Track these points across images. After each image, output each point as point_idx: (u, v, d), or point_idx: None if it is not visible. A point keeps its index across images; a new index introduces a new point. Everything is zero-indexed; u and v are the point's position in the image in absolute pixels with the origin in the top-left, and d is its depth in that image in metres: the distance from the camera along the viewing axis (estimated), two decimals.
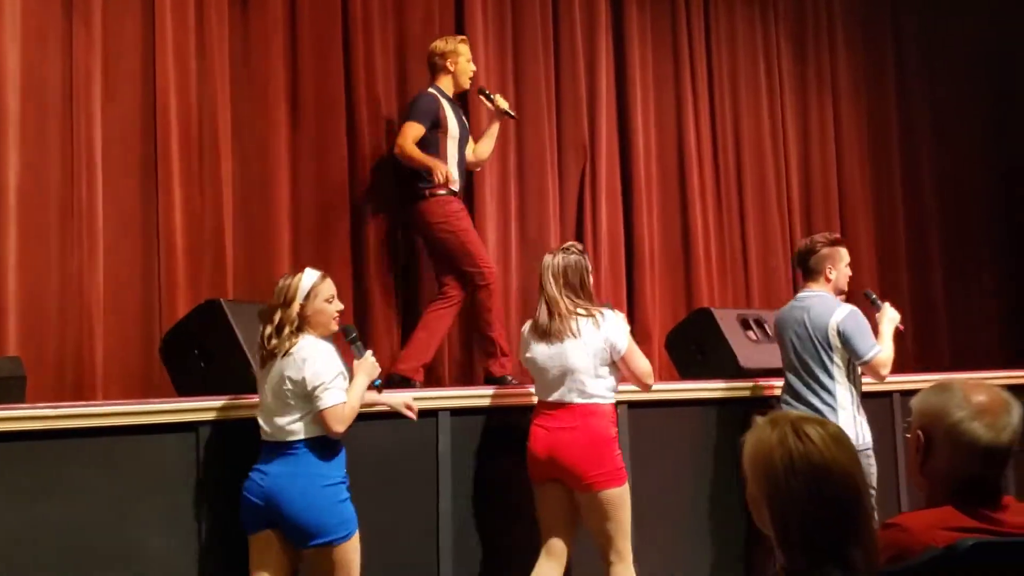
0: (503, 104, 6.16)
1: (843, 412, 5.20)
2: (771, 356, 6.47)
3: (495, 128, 6.33)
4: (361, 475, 4.59)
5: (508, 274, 6.81)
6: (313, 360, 4.24)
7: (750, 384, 6.11)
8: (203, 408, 4.62)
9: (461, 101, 6.44)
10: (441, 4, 6.82)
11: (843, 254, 5.41)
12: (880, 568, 2.41)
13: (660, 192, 7.69)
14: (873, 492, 5.09)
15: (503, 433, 5.37)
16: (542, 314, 4.85)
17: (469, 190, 6.57)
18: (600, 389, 4.82)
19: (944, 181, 9.20)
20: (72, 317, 5.42)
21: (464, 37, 6.38)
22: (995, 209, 9.42)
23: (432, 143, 6.00)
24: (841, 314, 5.23)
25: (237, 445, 4.57)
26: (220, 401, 4.66)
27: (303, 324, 4.33)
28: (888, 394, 6.21)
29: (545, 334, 4.83)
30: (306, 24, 6.28)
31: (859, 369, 5.29)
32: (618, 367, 4.90)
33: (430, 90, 6.12)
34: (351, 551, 4.28)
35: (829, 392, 5.25)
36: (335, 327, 4.45)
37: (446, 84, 6.19)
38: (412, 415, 4.80)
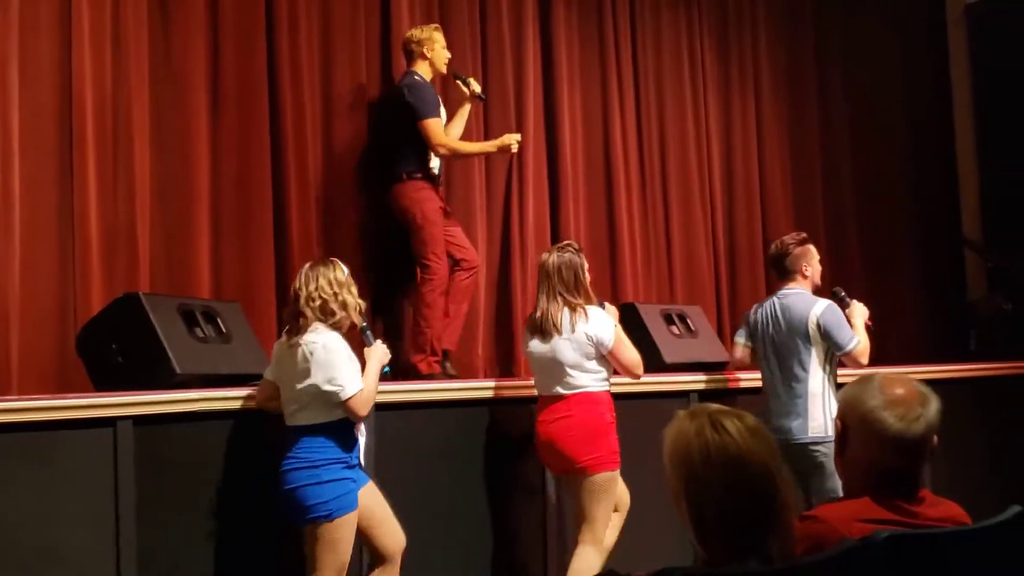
0: (477, 88, 6.38)
1: (813, 402, 5.46)
2: (694, 350, 6.58)
3: (466, 110, 6.52)
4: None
5: None
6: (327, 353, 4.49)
7: (673, 378, 6.18)
8: (121, 403, 4.54)
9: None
10: (368, 1, 6.77)
11: (814, 251, 5.76)
12: (796, 559, 2.43)
13: (586, 187, 7.72)
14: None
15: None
16: (537, 311, 5.15)
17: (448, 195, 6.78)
18: (589, 380, 5.08)
19: (863, 177, 9.32)
20: None
21: (438, 25, 6.52)
22: (913, 203, 9.57)
23: (414, 128, 6.13)
24: (819, 308, 5.54)
25: (154, 440, 4.53)
26: (138, 396, 4.59)
27: (336, 311, 4.56)
28: None
29: (538, 330, 5.11)
30: (228, 12, 6.18)
31: (835, 362, 5.57)
32: (607, 361, 5.13)
33: (417, 77, 6.28)
34: (340, 527, 4.43)
35: (802, 384, 5.51)
36: (358, 320, 4.69)
37: (423, 69, 6.35)
38: None
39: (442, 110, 6.32)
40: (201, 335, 5.08)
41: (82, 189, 5.53)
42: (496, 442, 5.71)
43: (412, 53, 6.38)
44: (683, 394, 6.19)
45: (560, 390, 5.09)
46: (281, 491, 4.49)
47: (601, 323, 5.07)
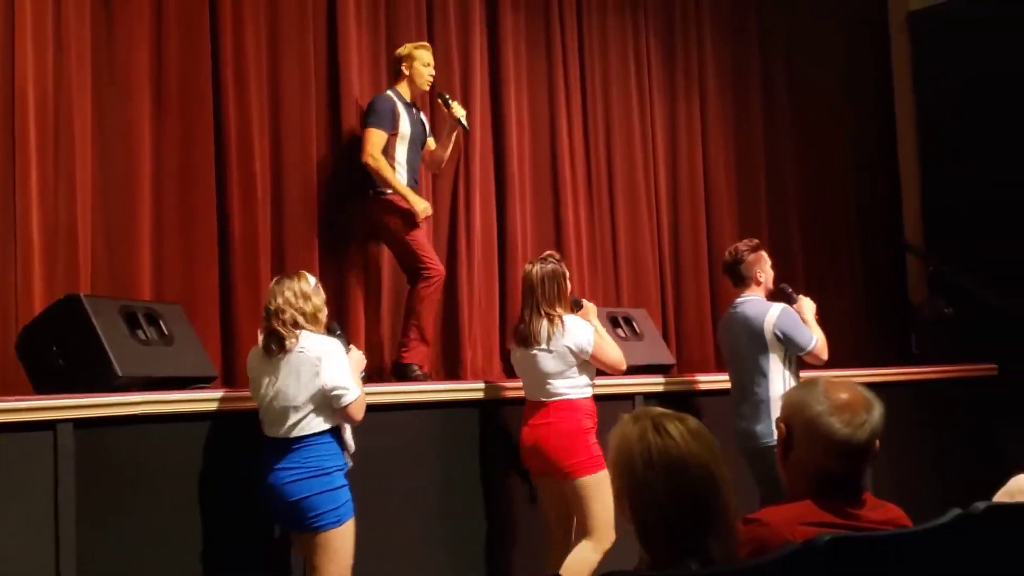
0: (459, 113, 6.36)
1: (776, 405, 5.51)
2: (640, 353, 6.61)
3: (453, 135, 6.52)
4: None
5: (380, 271, 6.76)
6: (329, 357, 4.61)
7: (618, 381, 6.21)
8: (62, 406, 4.49)
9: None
10: (315, 2, 6.73)
11: (766, 257, 5.92)
12: (739, 560, 2.44)
13: (533, 190, 7.72)
14: None
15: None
16: (521, 322, 5.38)
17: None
18: (569, 387, 5.30)
19: (806, 180, 9.40)
20: None
21: (425, 44, 6.57)
22: (855, 207, 9.66)
23: (385, 146, 6.22)
24: (774, 314, 5.69)
25: (95, 443, 4.49)
26: (79, 399, 4.54)
27: (311, 320, 4.64)
28: None
29: (522, 340, 5.34)
30: (172, 12, 6.10)
31: (796, 363, 5.72)
32: (590, 364, 5.35)
33: (387, 92, 6.35)
34: (342, 535, 4.52)
35: (763, 388, 5.66)
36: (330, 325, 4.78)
37: (403, 87, 6.42)
38: None
39: (406, 127, 6.29)
40: (143, 337, 5.03)
41: (23, 190, 5.43)
42: (486, 443, 5.81)
43: (394, 71, 6.48)
44: (628, 396, 6.22)
45: (542, 397, 5.32)
46: (285, 501, 4.54)
47: (579, 331, 5.27)
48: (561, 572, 5.12)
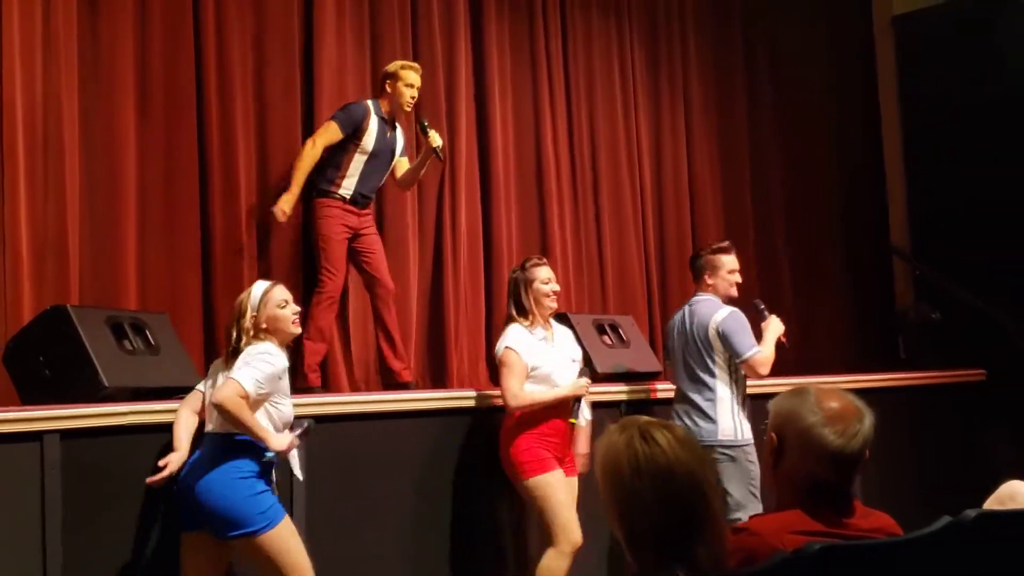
0: (435, 142, 6.22)
1: (722, 406, 5.55)
2: (626, 360, 6.59)
3: (426, 161, 6.39)
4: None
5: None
6: (247, 356, 4.39)
7: (605, 388, 6.21)
8: (48, 417, 4.47)
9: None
10: (299, 8, 6.72)
11: (723, 261, 5.75)
12: (728, 569, 2.44)
13: (518, 196, 7.73)
14: (754, 490, 5.31)
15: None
16: None
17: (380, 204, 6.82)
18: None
19: (792, 185, 9.44)
20: None
21: (414, 65, 6.44)
22: (841, 212, 9.69)
23: (340, 152, 6.18)
24: (721, 315, 5.61)
25: (83, 453, 4.47)
26: (66, 410, 4.52)
27: (259, 332, 4.49)
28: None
29: None
30: (157, 18, 6.11)
31: (742, 368, 5.60)
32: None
33: (367, 102, 6.30)
34: (277, 539, 4.36)
35: (709, 389, 5.60)
36: (296, 329, 4.63)
37: (383, 102, 6.34)
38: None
39: (370, 142, 6.21)
40: (130, 347, 5.02)
41: (12, 199, 5.42)
42: (469, 452, 5.76)
43: (380, 86, 6.42)
44: (614, 404, 6.22)
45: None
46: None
47: (501, 341, 5.32)
48: None
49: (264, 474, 4.45)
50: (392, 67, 6.38)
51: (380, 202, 6.84)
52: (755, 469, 5.44)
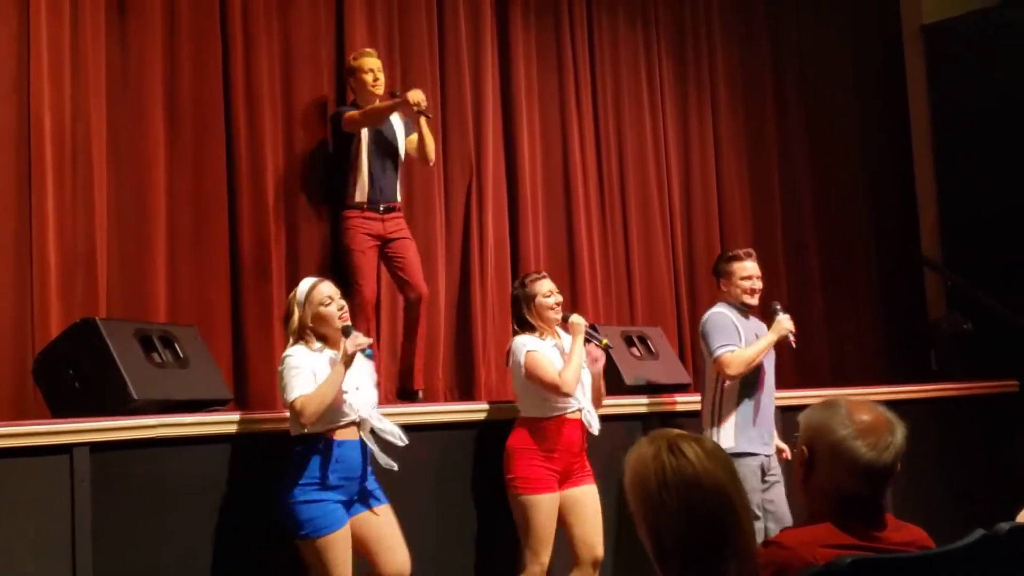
0: (412, 99, 6.10)
1: (712, 411, 5.59)
2: (655, 372, 6.57)
3: (423, 125, 6.32)
4: None
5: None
6: (281, 373, 4.63)
7: (631, 401, 6.20)
8: (78, 430, 4.48)
9: None
10: (325, 18, 6.74)
11: (734, 269, 5.75)
12: None
13: (545, 206, 7.72)
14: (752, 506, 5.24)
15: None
16: None
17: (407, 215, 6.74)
18: (522, 405, 5.37)
19: (821, 195, 9.40)
20: None
21: (367, 50, 6.45)
22: (872, 222, 9.65)
23: (344, 156, 6.22)
24: (705, 317, 5.71)
25: (112, 466, 4.48)
26: (95, 423, 4.53)
27: (305, 332, 4.69)
28: None
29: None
30: (185, 36, 6.14)
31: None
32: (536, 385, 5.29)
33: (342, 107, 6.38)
34: (315, 548, 4.54)
35: (707, 392, 5.66)
36: (344, 324, 4.70)
37: (358, 99, 6.33)
38: None
39: (367, 136, 6.25)
40: (159, 360, 5.04)
41: (40, 213, 5.45)
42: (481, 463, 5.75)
43: (347, 90, 6.49)
44: (643, 416, 6.20)
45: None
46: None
47: (517, 352, 5.33)
48: None
49: (329, 485, 4.57)
50: (348, 65, 6.44)
51: (409, 212, 6.84)
52: (754, 481, 5.39)
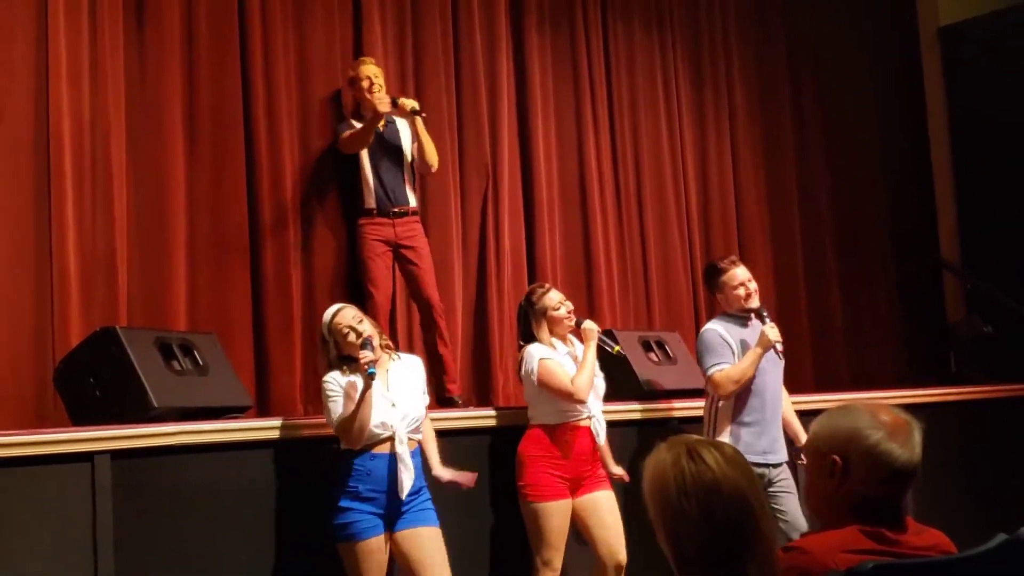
0: (408, 105, 6.20)
1: (708, 423, 5.55)
2: (672, 377, 6.55)
3: (419, 128, 6.36)
4: None
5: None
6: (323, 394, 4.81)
7: (648, 407, 6.21)
8: (99, 437, 4.51)
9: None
10: (341, 27, 6.76)
11: (725, 279, 5.64)
12: None
13: (562, 213, 7.71)
14: None
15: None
16: None
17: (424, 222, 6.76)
18: (532, 414, 5.38)
19: (839, 199, 9.38)
20: None
21: (364, 58, 6.48)
22: (890, 225, 9.62)
23: (354, 166, 6.29)
24: (700, 332, 5.69)
25: (133, 474, 4.50)
26: (117, 430, 4.56)
27: (334, 363, 4.81)
28: None
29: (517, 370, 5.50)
30: (203, 43, 6.17)
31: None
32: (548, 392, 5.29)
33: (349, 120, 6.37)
34: (347, 554, 4.66)
35: (705, 405, 5.64)
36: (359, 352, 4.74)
37: (363, 108, 6.33)
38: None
39: (403, 137, 6.36)
40: (178, 368, 5.06)
41: (60, 222, 5.49)
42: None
43: (348, 97, 6.53)
44: (662, 422, 6.18)
45: None
46: None
47: (529, 360, 5.32)
48: None
49: (362, 496, 4.66)
50: (347, 75, 6.49)
51: (425, 220, 6.85)
52: None
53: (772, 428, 5.52)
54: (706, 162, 8.62)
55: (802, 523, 5.38)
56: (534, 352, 5.32)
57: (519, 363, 5.41)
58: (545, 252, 7.49)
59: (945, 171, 9.82)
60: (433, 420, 5.34)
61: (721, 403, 5.50)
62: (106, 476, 4.49)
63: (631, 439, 5.93)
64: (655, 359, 6.71)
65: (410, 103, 6.20)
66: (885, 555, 2.53)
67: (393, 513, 4.70)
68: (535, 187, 7.54)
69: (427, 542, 4.75)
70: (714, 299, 5.84)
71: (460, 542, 5.27)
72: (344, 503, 4.66)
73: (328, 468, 4.86)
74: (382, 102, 6.08)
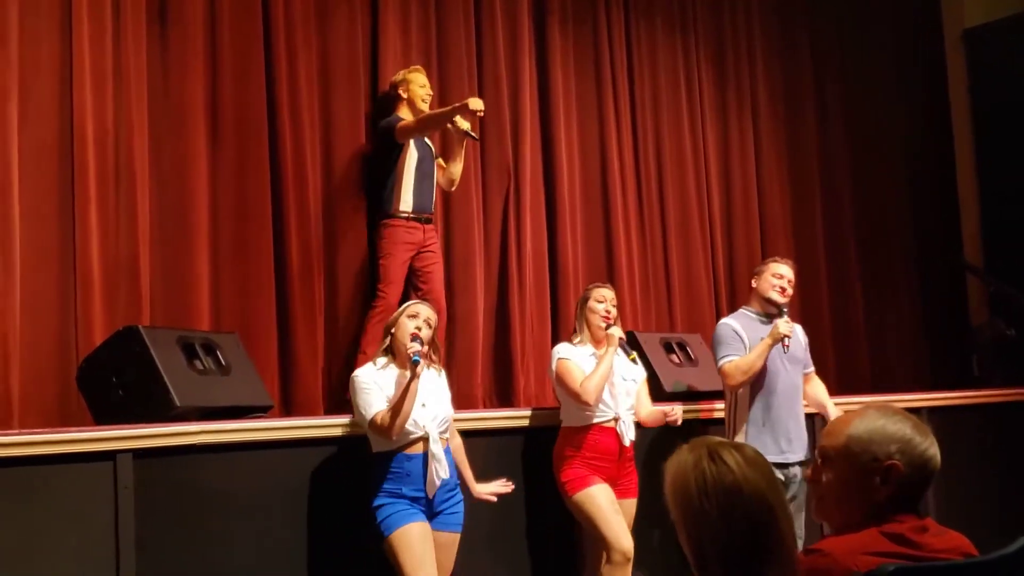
0: (464, 125, 6.20)
1: (729, 422, 5.67)
2: (694, 379, 6.54)
3: (461, 149, 6.42)
4: None
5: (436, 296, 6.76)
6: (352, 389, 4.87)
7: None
8: (122, 436, 4.53)
9: None
10: (363, 27, 6.78)
11: (771, 266, 5.79)
12: None
13: (584, 214, 7.71)
14: None
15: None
16: None
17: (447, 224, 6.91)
18: (563, 414, 5.46)
19: (862, 201, 9.35)
20: None
21: (418, 67, 6.54)
22: (913, 228, 9.59)
23: (389, 167, 6.25)
24: (715, 328, 5.76)
25: (155, 473, 4.52)
26: (139, 429, 4.58)
27: (378, 354, 4.93)
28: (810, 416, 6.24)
29: None
30: (226, 45, 6.18)
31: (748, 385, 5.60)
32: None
33: (393, 119, 6.33)
34: (392, 546, 4.66)
35: (726, 398, 5.74)
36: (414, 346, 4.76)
37: (404, 112, 6.38)
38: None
39: (412, 149, 6.31)
40: (200, 367, 5.09)
41: (83, 223, 5.51)
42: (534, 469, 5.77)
43: (394, 98, 6.49)
44: (685, 423, 6.15)
45: None
46: None
47: (552, 358, 5.45)
48: None
49: (406, 497, 4.70)
50: (399, 76, 6.50)
51: (447, 221, 6.87)
52: None
53: (786, 425, 5.56)
54: (729, 163, 8.61)
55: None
56: (558, 351, 5.42)
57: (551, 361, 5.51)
58: (567, 253, 7.49)
59: (969, 173, 9.78)
60: (465, 420, 5.43)
61: (739, 398, 5.57)
62: (128, 475, 4.51)
63: (654, 441, 5.92)
64: (676, 361, 6.71)
65: (465, 124, 6.22)
66: (906, 557, 2.52)
67: (430, 510, 4.77)
68: (557, 188, 7.54)
69: (443, 549, 4.82)
70: (748, 286, 5.94)
71: (499, 545, 5.34)
72: (385, 499, 4.71)
73: (348, 468, 4.88)
74: (477, 101, 6.05)
